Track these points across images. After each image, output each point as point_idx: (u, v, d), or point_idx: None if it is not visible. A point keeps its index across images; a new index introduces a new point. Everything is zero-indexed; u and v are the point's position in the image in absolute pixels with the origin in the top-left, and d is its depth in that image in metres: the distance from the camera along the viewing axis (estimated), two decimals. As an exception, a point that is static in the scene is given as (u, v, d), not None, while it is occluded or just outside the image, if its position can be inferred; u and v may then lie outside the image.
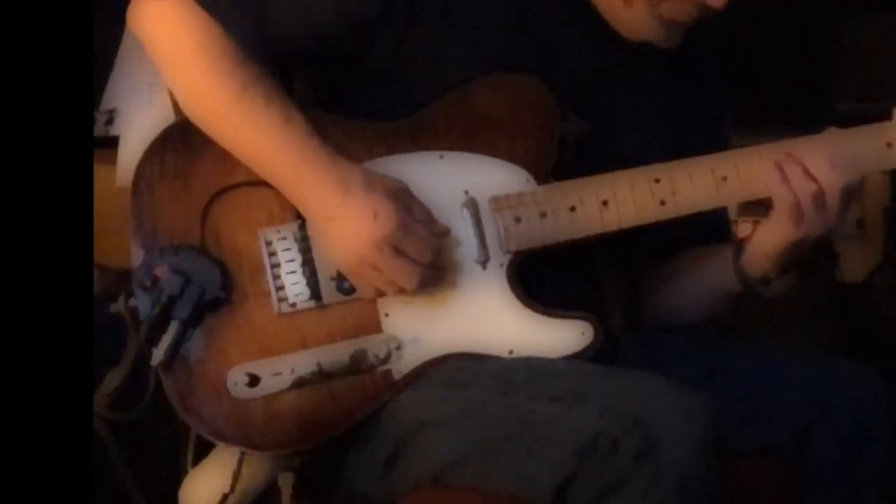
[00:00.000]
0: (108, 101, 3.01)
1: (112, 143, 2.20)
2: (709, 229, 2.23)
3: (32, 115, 1.67)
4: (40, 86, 1.68)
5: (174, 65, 2.05)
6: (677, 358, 2.16)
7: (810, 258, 2.13)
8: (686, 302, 2.31)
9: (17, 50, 1.67)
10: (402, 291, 2.00)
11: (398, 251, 1.97)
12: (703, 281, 2.26)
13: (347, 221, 1.97)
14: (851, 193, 2.06)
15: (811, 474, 2.13)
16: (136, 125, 2.13)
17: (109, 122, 2.97)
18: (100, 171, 1.98)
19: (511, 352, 2.02)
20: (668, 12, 2.11)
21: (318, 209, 1.99)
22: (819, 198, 2.01)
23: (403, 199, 2.00)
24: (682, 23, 2.13)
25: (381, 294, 2.02)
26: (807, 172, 2.02)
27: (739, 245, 2.17)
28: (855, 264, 3.70)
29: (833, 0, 3.99)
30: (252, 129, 2.00)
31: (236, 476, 1.98)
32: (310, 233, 2.02)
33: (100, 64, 2.10)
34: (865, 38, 3.87)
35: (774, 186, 2.05)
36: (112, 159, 2.14)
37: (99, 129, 2.94)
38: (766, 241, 2.13)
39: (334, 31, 2.08)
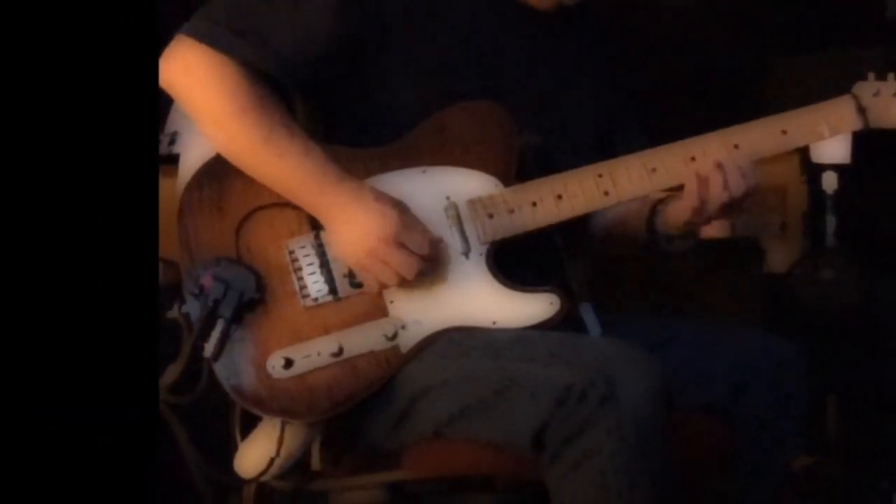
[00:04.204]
0: (171, 125, 3.19)
1: (174, 159, 2.31)
2: None
3: (108, 137, 1.76)
4: (115, 113, 1.76)
5: (204, 112, 2.16)
6: (632, 332, 2.26)
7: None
8: (610, 242, 2.51)
9: (94, 84, 1.75)
10: (403, 281, 2.14)
11: (401, 245, 2.12)
12: (625, 231, 2.44)
13: (360, 222, 2.12)
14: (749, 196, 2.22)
15: (742, 428, 2.29)
16: (194, 145, 2.23)
17: (172, 142, 3.15)
18: (164, 183, 2.07)
19: (495, 323, 2.18)
20: None
21: (336, 217, 2.14)
22: (726, 206, 2.21)
23: (405, 210, 2.16)
24: None
25: (383, 286, 2.15)
26: (725, 185, 2.19)
27: (654, 209, 2.34)
28: (778, 258, 3.88)
29: (762, 40, 4.22)
30: (280, 160, 2.14)
31: (280, 442, 2.13)
32: (325, 240, 2.16)
33: (164, 93, 2.19)
34: (789, 76, 4.09)
35: (690, 189, 2.21)
36: (174, 173, 2.26)
37: (163, 149, 3.09)
38: (670, 213, 2.30)
39: (333, 51, 2.19)
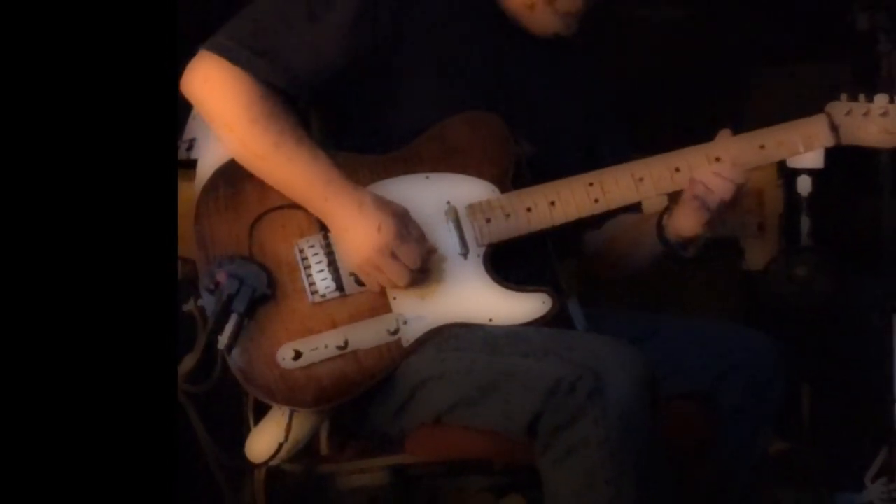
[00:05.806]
0: (189, 132, 3.26)
1: (192, 164, 2.37)
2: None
3: (130, 144, 1.82)
4: (136, 121, 1.83)
5: (221, 119, 2.25)
6: (618, 326, 2.37)
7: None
8: (626, 261, 2.56)
9: (118, 95, 1.82)
10: (396, 287, 2.23)
11: (394, 256, 2.20)
12: (638, 247, 2.50)
13: (359, 231, 2.20)
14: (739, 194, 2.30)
15: (722, 414, 2.38)
16: (210, 151, 2.32)
17: (190, 148, 3.24)
18: (182, 186, 2.11)
19: (491, 320, 2.25)
20: (562, 7, 2.36)
21: (340, 222, 2.22)
22: (723, 205, 2.30)
23: (404, 220, 2.23)
24: (575, 13, 2.38)
25: (382, 288, 2.24)
26: (710, 189, 2.29)
27: (660, 224, 2.40)
28: (756, 257, 4.01)
29: (739, 52, 4.31)
30: (288, 165, 2.23)
31: (288, 429, 2.20)
32: (332, 240, 2.24)
33: (183, 103, 2.26)
34: (766, 88, 4.20)
35: (687, 197, 2.31)
36: (191, 177, 2.32)
37: (181, 154, 3.16)
38: (678, 222, 2.36)
39: (343, 69, 2.27)
